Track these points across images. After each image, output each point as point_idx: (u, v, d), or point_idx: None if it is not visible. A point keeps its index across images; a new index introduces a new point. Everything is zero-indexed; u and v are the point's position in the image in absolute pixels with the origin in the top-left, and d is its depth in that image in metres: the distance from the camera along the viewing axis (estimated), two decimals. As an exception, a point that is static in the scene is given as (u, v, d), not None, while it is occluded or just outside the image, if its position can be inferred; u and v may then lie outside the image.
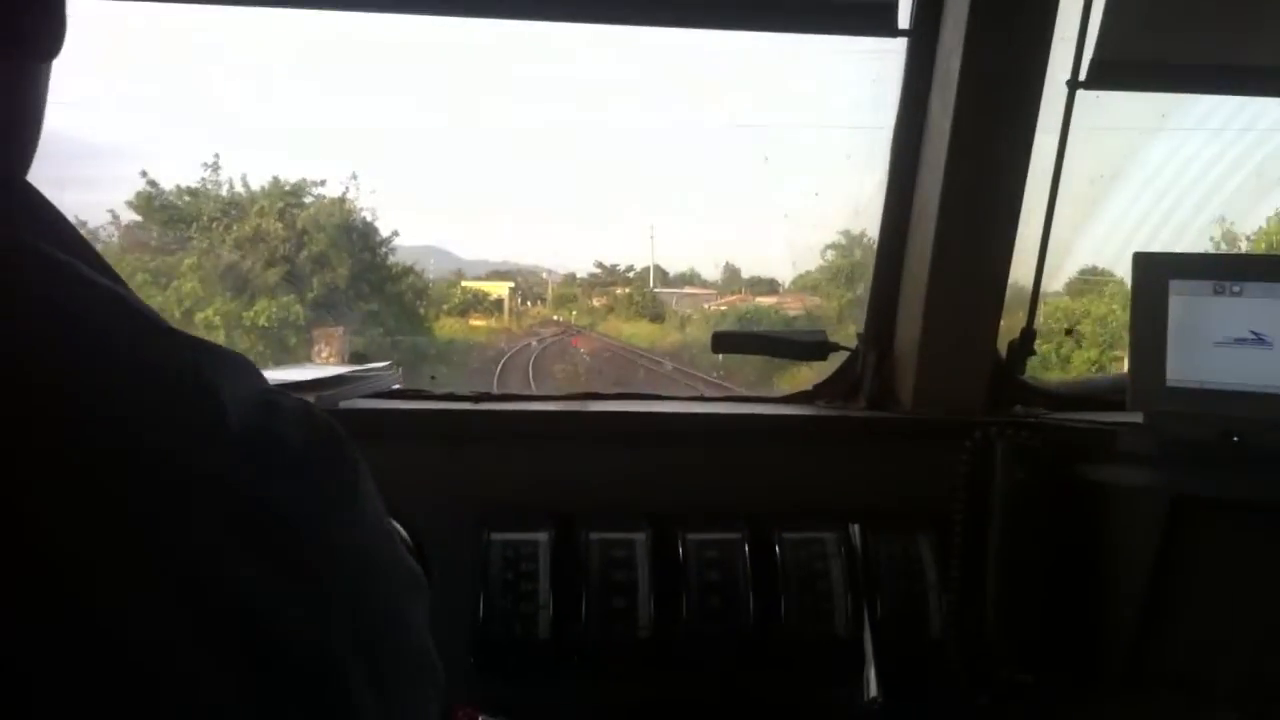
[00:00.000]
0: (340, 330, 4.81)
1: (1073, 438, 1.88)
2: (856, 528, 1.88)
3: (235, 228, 4.92)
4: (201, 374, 0.55)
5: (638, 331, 6.05)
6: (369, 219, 5.25)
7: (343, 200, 5.16)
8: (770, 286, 5.27)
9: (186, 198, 4.97)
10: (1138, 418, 1.83)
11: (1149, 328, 1.80)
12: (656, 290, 6.10)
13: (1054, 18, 1.83)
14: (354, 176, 5.07)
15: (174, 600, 0.48)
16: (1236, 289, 1.75)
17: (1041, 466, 1.81)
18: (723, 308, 5.71)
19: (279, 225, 4.96)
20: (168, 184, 4.95)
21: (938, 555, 1.86)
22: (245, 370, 0.59)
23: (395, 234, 5.35)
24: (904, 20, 1.94)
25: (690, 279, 6.10)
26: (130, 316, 0.55)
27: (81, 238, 0.59)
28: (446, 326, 5.64)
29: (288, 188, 5.06)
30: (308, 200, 5.13)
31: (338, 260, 5.00)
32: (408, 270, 5.47)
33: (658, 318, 6.02)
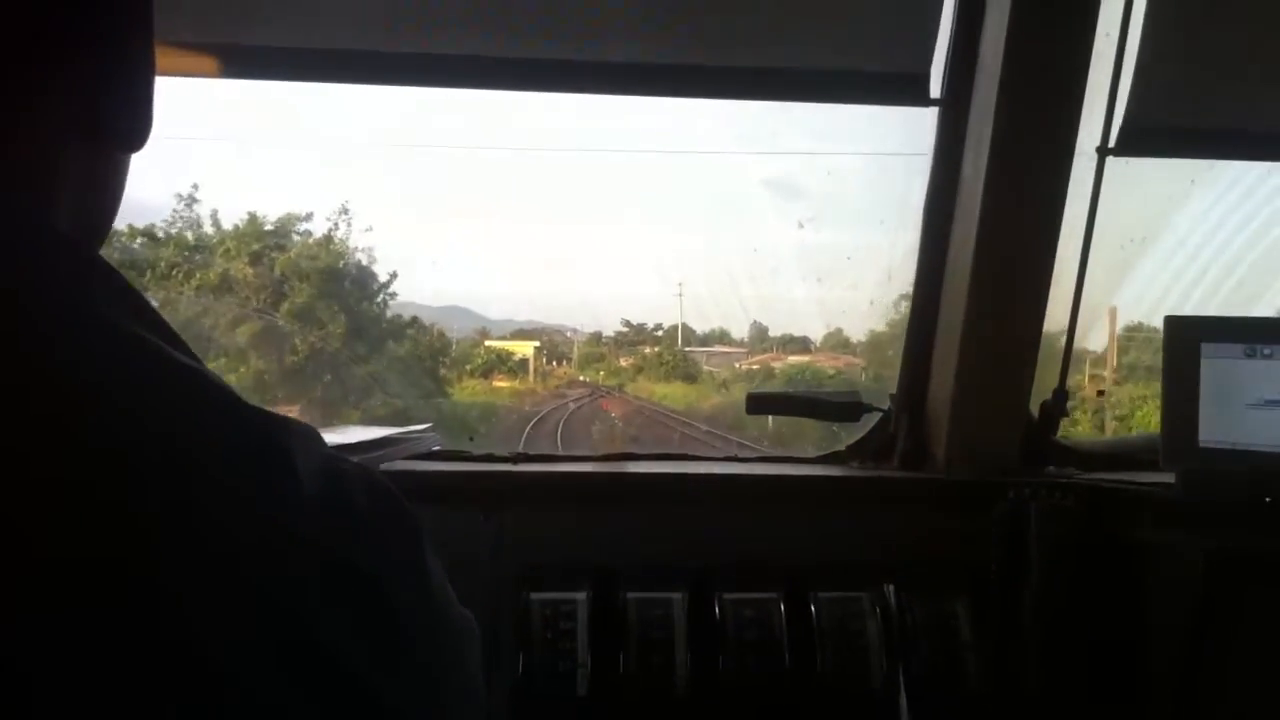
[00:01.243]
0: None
1: (1106, 498, 1.89)
2: (891, 587, 1.89)
3: (198, 275, 4.21)
4: (277, 445, 0.58)
5: (671, 392, 5.67)
6: (364, 261, 4.62)
7: (329, 240, 4.49)
8: (802, 345, 5.11)
9: (141, 239, 4.18)
10: (1170, 478, 1.84)
11: (1181, 389, 1.82)
12: (687, 349, 5.88)
13: (1083, 86, 1.87)
14: (344, 211, 4.41)
15: (274, 650, 0.51)
16: (1267, 352, 1.77)
17: (1075, 526, 1.82)
18: (754, 366, 5.45)
19: (250, 271, 4.27)
20: (121, 223, 4.24)
21: (972, 615, 1.87)
22: (313, 439, 0.62)
23: (394, 276, 4.67)
24: (935, 90, 1.99)
25: (720, 337, 5.83)
26: (207, 392, 0.58)
27: (157, 313, 0.61)
28: (468, 389, 5.37)
29: (268, 226, 4.39)
30: (295, 239, 4.49)
31: (326, 314, 4.38)
32: (411, 322, 4.98)
33: (691, 377, 5.74)
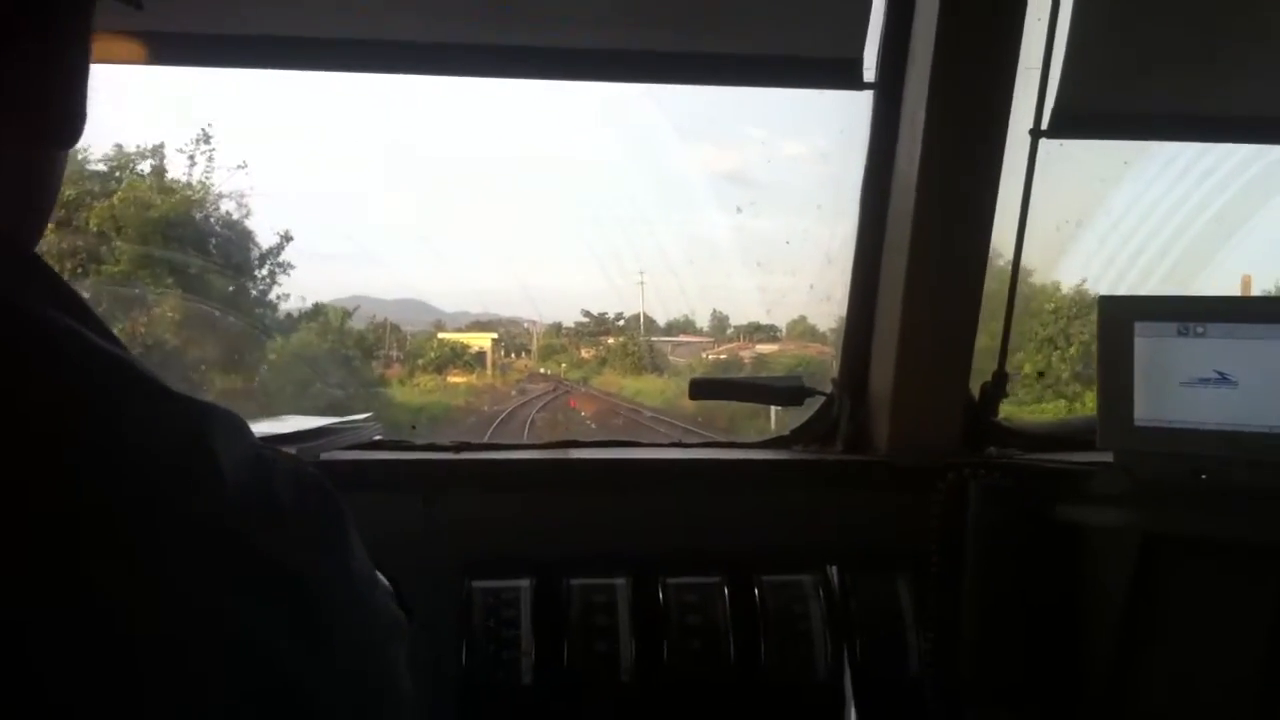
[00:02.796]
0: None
1: (1045, 478, 1.92)
2: (835, 570, 1.90)
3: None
4: (201, 435, 0.58)
5: (644, 387, 5.20)
6: (238, 216, 3.41)
7: (192, 187, 3.20)
8: (770, 334, 4.82)
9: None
10: (1108, 457, 1.86)
11: (1116, 369, 1.84)
12: (654, 339, 5.54)
13: (1015, 69, 1.88)
14: (205, 138, 3.13)
15: (185, 635, 0.52)
16: (1200, 330, 1.79)
17: (1015, 507, 1.84)
18: (722, 355, 5.13)
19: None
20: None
21: (915, 596, 1.89)
22: (238, 429, 0.62)
23: (287, 238, 3.52)
24: (869, 74, 2.00)
25: (684, 327, 5.53)
26: (133, 381, 0.58)
27: (86, 304, 0.62)
28: (421, 386, 4.94)
29: (94, 165, 3.13)
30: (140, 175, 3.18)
31: (164, 287, 3.12)
32: (316, 312, 4.13)
33: (660, 369, 5.41)
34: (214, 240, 3.49)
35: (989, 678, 1.83)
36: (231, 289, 3.60)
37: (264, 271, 3.65)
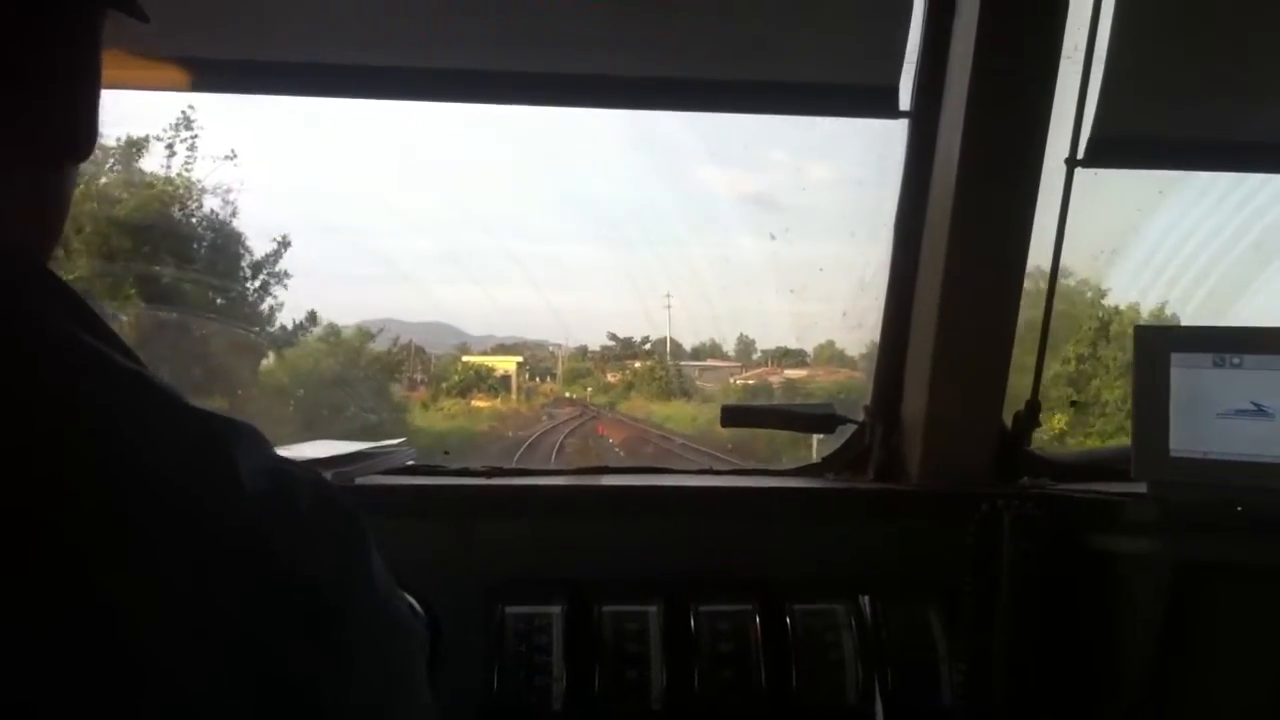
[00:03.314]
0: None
1: (1078, 508, 1.90)
2: (866, 599, 1.89)
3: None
4: (220, 446, 0.59)
5: (674, 413, 4.92)
6: (220, 212, 3.05)
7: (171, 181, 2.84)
8: (799, 358, 4.63)
9: None
10: (1142, 488, 1.85)
11: (1151, 399, 1.83)
12: (681, 364, 5.31)
13: (1051, 98, 1.88)
14: (184, 125, 2.77)
15: (194, 634, 0.53)
16: (1236, 361, 1.78)
17: (1048, 537, 1.83)
18: (750, 380, 4.94)
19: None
20: None
21: (947, 626, 1.87)
22: (257, 440, 0.63)
23: (285, 244, 3.20)
24: (905, 102, 2.00)
25: (711, 351, 5.31)
26: (150, 394, 0.59)
27: (101, 319, 0.63)
28: (445, 410, 4.72)
29: None
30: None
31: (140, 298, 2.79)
32: (329, 331, 3.78)
33: (689, 395, 5.08)
34: (196, 245, 3.11)
35: (1022, 709, 1.82)
36: (220, 301, 3.24)
37: (255, 283, 3.27)
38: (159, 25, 0.74)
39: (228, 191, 2.98)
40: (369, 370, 4.07)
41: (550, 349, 5.60)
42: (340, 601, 0.61)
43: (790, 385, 4.49)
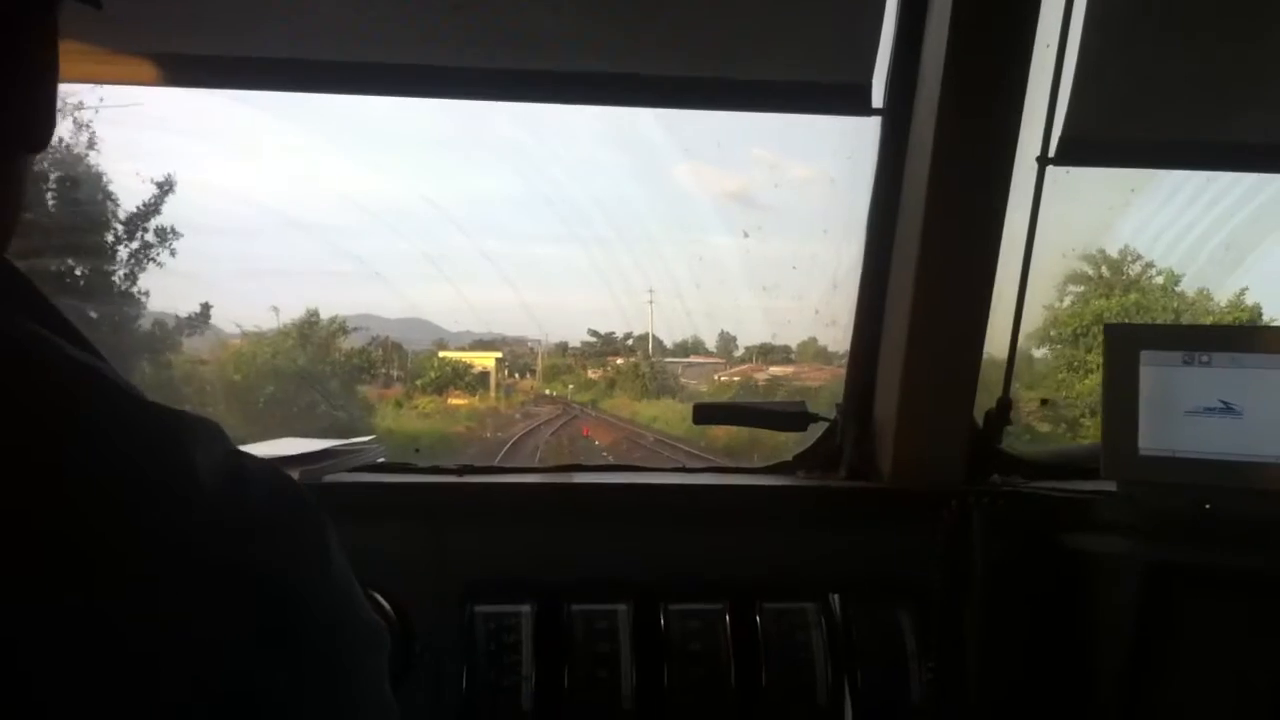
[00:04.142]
0: None
1: (1049, 506, 1.91)
2: (837, 598, 1.89)
3: None
4: (175, 442, 0.58)
5: (662, 413, 4.64)
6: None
7: None
8: (784, 355, 4.49)
9: None
10: (1112, 486, 1.86)
11: (1121, 397, 1.83)
12: (664, 360, 5.12)
13: (1023, 97, 1.88)
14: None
15: (149, 630, 0.52)
16: (1205, 359, 1.79)
17: (1018, 535, 1.83)
18: (735, 378, 4.75)
19: None
20: None
21: (918, 625, 1.88)
22: (215, 436, 0.62)
23: (168, 187, 2.69)
24: (878, 99, 2.00)
25: (693, 348, 5.09)
26: (105, 389, 0.58)
27: (59, 313, 0.62)
28: (420, 409, 4.50)
29: None
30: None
31: None
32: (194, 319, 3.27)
33: (673, 392, 4.83)
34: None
35: (992, 707, 1.82)
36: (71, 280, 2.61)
37: (131, 247, 2.66)
38: (126, 20, 0.74)
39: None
40: (315, 365, 3.87)
41: (529, 345, 5.43)
42: (296, 596, 0.61)
43: (775, 382, 4.37)
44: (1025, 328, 2.08)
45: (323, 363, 3.77)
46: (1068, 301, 3.31)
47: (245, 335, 3.66)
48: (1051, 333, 3.28)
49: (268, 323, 3.64)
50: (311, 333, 3.76)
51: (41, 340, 0.58)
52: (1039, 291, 2.06)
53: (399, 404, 4.51)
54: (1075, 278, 3.19)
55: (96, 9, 0.71)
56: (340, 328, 4.02)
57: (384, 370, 4.59)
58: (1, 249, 0.69)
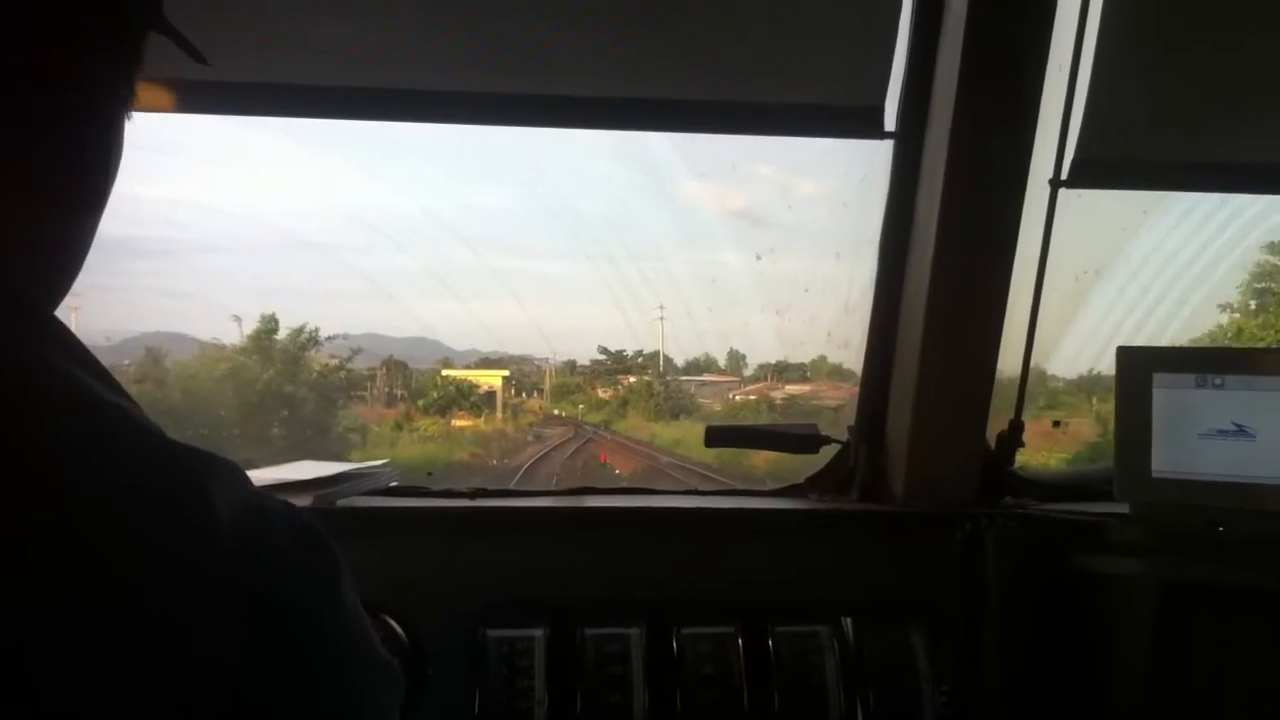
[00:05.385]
0: None
1: (1062, 528, 1.90)
2: (849, 621, 1.89)
3: None
4: (196, 483, 0.59)
5: (683, 436, 4.30)
6: None
7: None
8: (800, 374, 4.25)
9: None
10: (1125, 508, 1.85)
11: (1134, 420, 1.83)
12: (679, 379, 4.88)
13: (1035, 119, 1.88)
14: None
15: (190, 688, 0.53)
16: (1218, 382, 1.78)
17: (1031, 557, 1.83)
18: (751, 396, 4.54)
19: None
20: None
21: (931, 647, 1.87)
22: (237, 478, 0.63)
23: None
24: (890, 123, 2.00)
25: (706, 366, 4.90)
26: (129, 430, 0.60)
27: (95, 360, 0.64)
28: (421, 431, 4.32)
29: None
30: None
31: None
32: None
33: (691, 413, 4.61)
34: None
35: (1007, 731, 1.81)
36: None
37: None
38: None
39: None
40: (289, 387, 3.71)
41: (537, 363, 5.28)
42: (312, 620, 0.62)
43: (792, 401, 4.17)
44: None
45: (296, 382, 3.68)
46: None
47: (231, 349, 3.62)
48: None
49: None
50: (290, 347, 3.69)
51: (79, 384, 0.59)
52: (1050, 314, 2.06)
53: (399, 426, 4.31)
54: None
55: (203, 65, 0.73)
56: (311, 339, 3.88)
57: (387, 389, 4.44)
58: (54, 305, 0.71)
